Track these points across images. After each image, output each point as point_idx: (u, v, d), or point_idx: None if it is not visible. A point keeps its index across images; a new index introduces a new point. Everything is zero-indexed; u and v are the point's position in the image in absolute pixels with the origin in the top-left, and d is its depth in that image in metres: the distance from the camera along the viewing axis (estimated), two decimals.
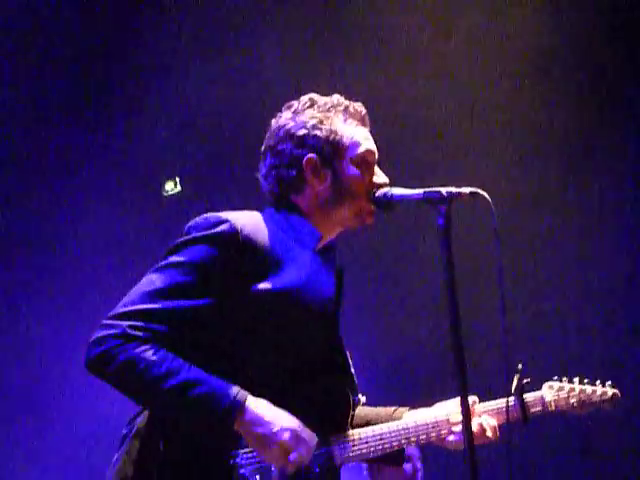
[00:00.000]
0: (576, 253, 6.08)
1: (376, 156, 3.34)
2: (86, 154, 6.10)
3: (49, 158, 6.09)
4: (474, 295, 5.34)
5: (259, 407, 3.01)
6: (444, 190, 3.02)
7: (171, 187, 6.08)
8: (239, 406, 2.97)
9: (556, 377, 3.67)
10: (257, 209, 3.29)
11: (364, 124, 3.36)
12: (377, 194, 3.24)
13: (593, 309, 5.95)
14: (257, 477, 3.06)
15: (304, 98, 3.34)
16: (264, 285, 3.07)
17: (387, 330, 6.11)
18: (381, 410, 3.56)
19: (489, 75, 6.11)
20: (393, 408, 3.55)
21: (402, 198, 3.19)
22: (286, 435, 3.01)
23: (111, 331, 2.95)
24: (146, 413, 3.10)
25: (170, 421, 3.03)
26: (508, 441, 3.21)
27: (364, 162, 3.29)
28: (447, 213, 2.98)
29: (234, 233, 3.07)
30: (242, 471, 3.04)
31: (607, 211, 6.09)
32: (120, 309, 2.99)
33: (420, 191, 3.08)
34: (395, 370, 5.98)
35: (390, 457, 3.45)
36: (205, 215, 3.14)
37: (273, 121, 3.35)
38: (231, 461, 3.04)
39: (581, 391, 3.67)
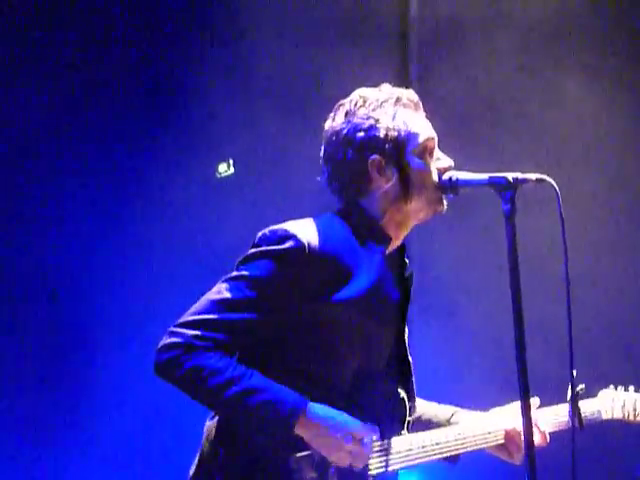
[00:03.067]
0: None
1: (436, 140, 3.31)
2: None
3: None
4: (539, 288, 5.28)
5: (320, 412, 3.05)
6: (510, 175, 2.98)
7: (224, 169, 6.11)
8: (300, 412, 3.01)
9: (612, 385, 3.68)
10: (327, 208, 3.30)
11: (418, 110, 3.32)
12: (442, 179, 3.21)
13: None
14: (316, 477, 3.08)
15: (354, 96, 3.29)
16: (332, 297, 3.08)
17: (453, 329, 6.05)
18: (439, 411, 3.58)
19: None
20: (450, 411, 3.57)
21: (467, 183, 3.16)
22: (347, 439, 3.05)
23: (177, 339, 3.03)
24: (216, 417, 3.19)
25: (234, 426, 3.09)
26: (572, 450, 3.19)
27: (426, 150, 3.26)
28: (512, 199, 2.95)
29: (300, 249, 3.08)
30: (299, 475, 3.07)
31: None
32: (187, 317, 3.07)
33: (485, 176, 3.05)
34: (454, 368, 5.92)
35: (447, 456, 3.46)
36: (274, 228, 3.15)
37: (327, 124, 3.31)
38: (289, 465, 3.07)
39: (637, 399, 3.68)
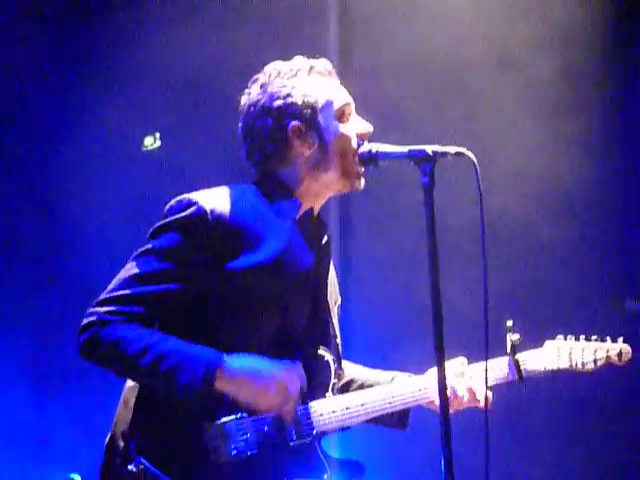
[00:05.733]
0: None
1: (353, 106, 3.34)
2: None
3: None
4: (457, 257, 5.34)
5: (237, 363, 3.07)
6: (429, 148, 2.99)
7: (150, 142, 6.05)
8: (216, 366, 3.04)
9: (560, 335, 3.64)
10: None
11: (332, 77, 3.35)
12: (361, 151, 3.23)
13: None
14: (232, 443, 3.11)
15: (268, 69, 3.33)
16: (239, 263, 3.12)
17: (381, 292, 6.07)
18: (380, 376, 3.60)
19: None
20: (391, 375, 3.59)
21: (386, 155, 3.17)
22: (271, 379, 3.09)
23: (91, 318, 3.07)
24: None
25: (154, 394, 3.12)
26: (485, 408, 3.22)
27: (344, 115, 3.29)
28: (432, 172, 2.96)
29: (203, 215, 3.11)
30: (220, 439, 3.09)
31: None
32: (101, 296, 3.12)
33: (405, 149, 3.06)
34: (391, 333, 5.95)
35: (392, 421, 3.51)
36: (178, 197, 3.18)
37: (242, 99, 3.34)
38: (203, 433, 3.09)
39: (586, 348, 3.62)
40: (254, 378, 3.08)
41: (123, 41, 6.09)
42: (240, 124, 3.33)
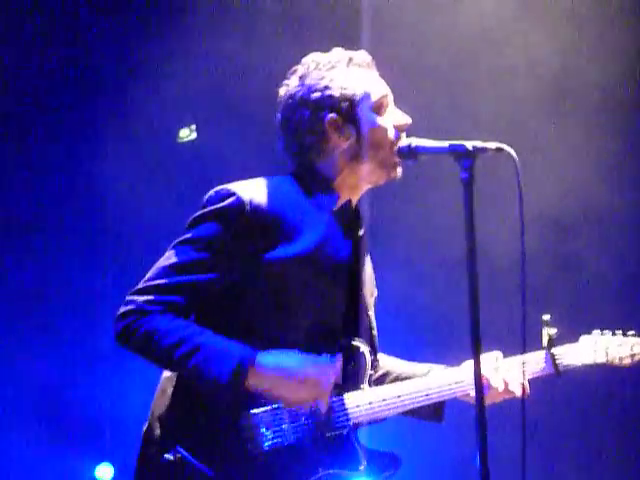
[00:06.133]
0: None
1: (391, 97, 3.34)
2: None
3: None
4: (496, 252, 5.32)
5: (270, 361, 3.09)
6: (469, 144, 2.98)
7: (186, 134, 6.07)
8: (248, 362, 3.06)
9: (597, 330, 3.63)
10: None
11: (371, 69, 3.35)
12: (401, 146, 3.22)
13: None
14: (269, 433, 3.14)
15: (307, 60, 3.33)
16: (276, 253, 3.13)
17: (418, 285, 6.07)
18: (416, 368, 3.60)
19: None
20: (427, 368, 3.59)
21: (426, 150, 3.16)
22: (303, 374, 3.10)
23: (130, 307, 3.09)
24: None
25: (190, 384, 3.13)
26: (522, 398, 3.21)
27: (382, 107, 3.29)
28: (471, 167, 2.94)
29: (241, 206, 3.12)
30: (256, 430, 3.12)
31: None
32: (139, 285, 3.14)
33: (445, 143, 3.04)
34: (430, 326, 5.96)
35: (428, 413, 3.51)
36: (217, 188, 3.20)
37: (281, 90, 3.34)
38: (241, 422, 3.12)
39: (623, 343, 3.60)
40: (286, 376, 3.10)
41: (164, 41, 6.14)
42: (278, 115, 3.33)
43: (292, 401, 3.13)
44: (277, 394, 3.11)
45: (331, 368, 3.16)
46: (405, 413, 3.44)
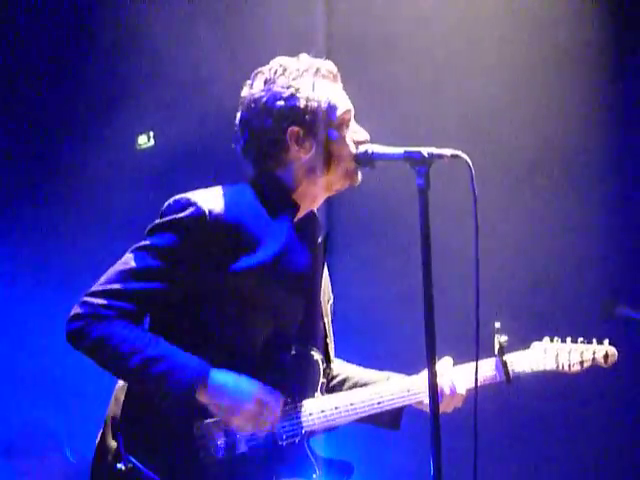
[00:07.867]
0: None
1: (352, 113, 3.32)
2: None
3: None
4: (450, 259, 5.32)
5: (221, 379, 3.09)
6: (425, 150, 2.98)
7: (144, 141, 6.04)
8: (201, 380, 3.05)
9: (547, 337, 3.63)
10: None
11: (336, 82, 3.32)
12: (358, 152, 3.22)
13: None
14: (222, 442, 3.13)
15: (274, 64, 3.28)
16: (236, 264, 3.11)
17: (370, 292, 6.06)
18: (374, 376, 3.58)
19: None
20: (386, 376, 3.57)
21: (382, 157, 3.17)
22: (250, 404, 3.10)
23: (85, 309, 3.07)
24: None
25: (142, 393, 3.12)
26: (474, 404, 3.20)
27: (344, 123, 3.27)
28: (427, 174, 2.94)
29: (201, 216, 3.10)
30: (209, 439, 3.12)
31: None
32: (95, 287, 3.11)
33: (401, 150, 3.04)
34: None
35: (384, 421, 3.49)
36: (177, 197, 3.17)
37: (244, 91, 3.29)
38: (192, 432, 3.10)
39: (572, 349, 3.61)
40: (234, 395, 3.10)
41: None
42: (239, 115, 3.29)
43: (233, 423, 3.13)
44: (222, 413, 3.12)
45: (275, 399, 3.16)
46: (361, 420, 3.43)
